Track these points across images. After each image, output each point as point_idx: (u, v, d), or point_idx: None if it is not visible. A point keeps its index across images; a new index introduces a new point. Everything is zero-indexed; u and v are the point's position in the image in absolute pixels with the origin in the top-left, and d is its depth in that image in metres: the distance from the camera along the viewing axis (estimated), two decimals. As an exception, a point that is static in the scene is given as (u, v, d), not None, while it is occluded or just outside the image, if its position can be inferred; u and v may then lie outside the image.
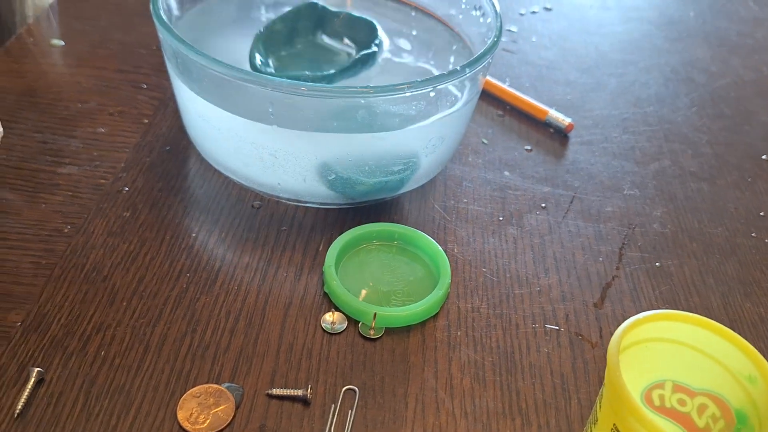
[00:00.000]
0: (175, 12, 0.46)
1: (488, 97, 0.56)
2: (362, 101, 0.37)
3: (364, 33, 0.48)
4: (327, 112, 0.38)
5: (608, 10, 0.71)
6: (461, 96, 0.41)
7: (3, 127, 0.45)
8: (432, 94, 0.38)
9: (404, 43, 0.50)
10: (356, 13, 0.50)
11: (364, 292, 0.38)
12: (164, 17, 0.40)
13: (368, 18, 0.49)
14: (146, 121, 0.49)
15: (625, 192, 0.49)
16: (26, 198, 0.42)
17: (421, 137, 0.41)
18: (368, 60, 0.46)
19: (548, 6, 0.70)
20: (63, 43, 0.55)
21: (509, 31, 0.65)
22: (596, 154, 0.52)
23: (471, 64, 0.39)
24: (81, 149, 0.46)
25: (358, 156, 0.40)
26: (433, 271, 0.40)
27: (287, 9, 0.49)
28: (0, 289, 0.37)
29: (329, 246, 0.40)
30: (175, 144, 0.47)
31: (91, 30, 0.57)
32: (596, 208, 0.47)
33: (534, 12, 0.69)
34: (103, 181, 0.44)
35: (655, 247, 0.45)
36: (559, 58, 0.62)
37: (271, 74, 0.43)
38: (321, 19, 0.49)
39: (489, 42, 0.41)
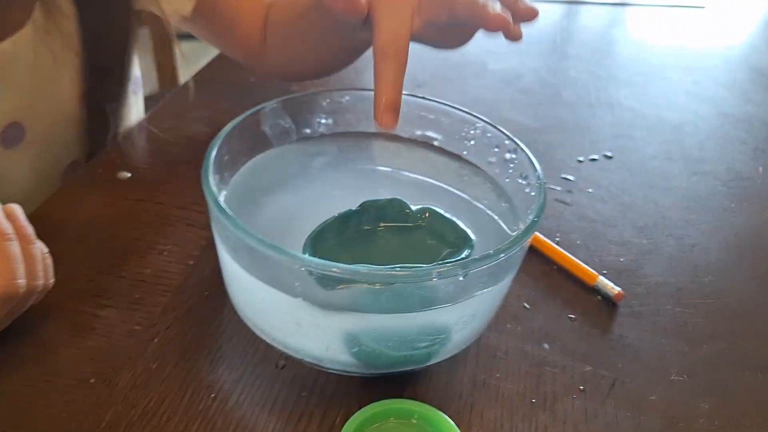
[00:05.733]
0: (242, 158, 0.48)
1: (535, 254, 0.55)
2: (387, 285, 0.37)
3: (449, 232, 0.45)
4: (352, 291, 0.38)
5: (673, 162, 0.70)
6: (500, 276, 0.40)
7: (56, 260, 0.47)
8: (461, 278, 0.38)
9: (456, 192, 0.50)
10: (439, 210, 0.45)
11: (375, 479, 0.37)
12: (210, 180, 0.41)
13: (452, 218, 0.45)
14: (192, 262, 0.50)
15: (672, 377, 0.46)
16: (62, 341, 0.43)
17: (450, 316, 0.40)
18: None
19: (609, 154, 0.69)
20: (129, 175, 0.58)
21: (565, 179, 0.65)
22: (645, 330, 0.49)
23: (506, 249, 0.38)
24: (124, 290, 0.47)
25: (383, 332, 0.39)
26: (452, 460, 0.38)
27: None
28: (18, 441, 0.37)
29: (346, 419, 0.39)
30: (215, 289, 0.48)
31: (159, 163, 0.60)
32: (639, 395, 0.44)
33: (593, 159, 0.68)
34: (138, 327, 0.45)
35: (701, 450, 0.41)
36: (616, 214, 0.61)
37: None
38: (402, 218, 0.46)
39: (528, 224, 0.40)
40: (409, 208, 0.44)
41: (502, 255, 0.38)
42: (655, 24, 1.10)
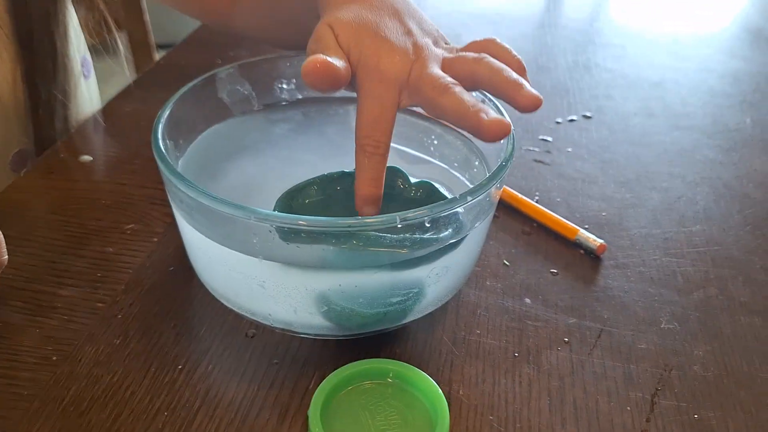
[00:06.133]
0: (199, 126, 0.46)
1: (514, 212, 0.53)
2: (351, 235, 0.35)
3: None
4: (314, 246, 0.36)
5: (654, 118, 0.68)
6: (467, 224, 0.39)
7: (16, 246, 0.46)
8: (428, 224, 0.36)
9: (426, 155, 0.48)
10: (440, 187, 0.42)
11: (350, 441, 0.35)
12: (161, 143, 0.39)
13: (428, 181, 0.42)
14: (156, 239, 0.48)
15: (662, 326, 0.44)
16: (24, 321, 0.41)
17: (422, 268, 0.38)
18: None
19: (588, 114, 0.67)
20: (91, 158, 0.56)
21: (544, 140, 0.63)
22: (631, 280, 0.47)
23: (472, 192, 0.36)
24: (85, 269, 0.45)
25: (351, 288, 0.37)
26: (431, 417, 0.36)
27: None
28: (-26, 423, 0.36)
29: (320, 384, 0.37)
30: (179, 264, 0.46)
31: (121, 146, 0.58)
32: (628, 344, 0.42)
33: (572, 120, 0.66)
34: (100, 304, 0.43)
35: (695, 395, 0.39)
36: (596, 171, 0.59)
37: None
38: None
39: (495, 169, 0.38)
40: (407, 181, 0.42)
41: (469, 198, 0.36)
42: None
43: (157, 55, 1.37)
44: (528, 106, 0.35)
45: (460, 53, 0.39)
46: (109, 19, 0.56)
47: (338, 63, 0.36)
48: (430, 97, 0.36)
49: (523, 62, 0.39)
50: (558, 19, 0.92)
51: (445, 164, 0.47)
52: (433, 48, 0.39)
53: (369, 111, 0.37)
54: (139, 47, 1.29)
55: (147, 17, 1.28)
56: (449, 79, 0.37)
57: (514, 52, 0.39)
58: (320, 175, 0.41)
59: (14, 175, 0.58)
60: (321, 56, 0.35)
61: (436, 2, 0.96)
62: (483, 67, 0.37)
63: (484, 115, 0.34)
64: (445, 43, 0.41)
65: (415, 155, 0.48)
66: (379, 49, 0.38)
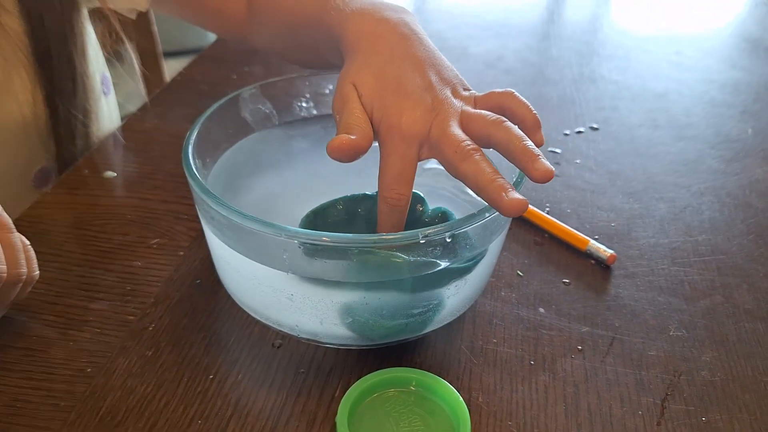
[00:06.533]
0: (223, 144, 0.48)
1: (526, 224, 0.55)
2: (374, 251, 0.37)
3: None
4: (340, 261, 0.38)
5: (659, 129, 0.70)
6: (485, 239, 0.40)
7: (46, 261, 0.47)
8: (448, 240, 0.38)
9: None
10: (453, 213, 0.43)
11: (376, 447, 0.37)
12: (191, 162, 0.41)
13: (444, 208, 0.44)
14: (182, 253, 0.50)
15: (671, 333, 0.46)
16: (57, 335, 0.43)
17: (442, 281, 0.40)
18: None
19: (595, 126, 0.69)
20: (115, 174, 0.58)
21: (553, 152, 0.65)
22: (641, 289, 0.49)
23: (491, 209, 0.38)
24: (115, 283, 0.47)
25: (375, 301, 0.39)
26: (453, 424, 0.38)
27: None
28: (16, 433, 0.37)
29: (346, 391, 0.39)
30: (206, 277, 0.48)
31: (142, 162, 0.60)
32: (638, 351, 0.44)
33: (579, 132, 0.68)
34: (131, 317, 0.44)
35: (703, 399, 0.41)
36: (604, 182, 0.61)
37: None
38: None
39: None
40: (426, 207, 0.43)
41: (487, 215, 0.38)
42: (637, 1, 1.10)
43: (165, 65, 1.39)
44: (540, 178, 0.36)
45: (479, 110, 0.40)
46: (121, 31, 0.58)
47: (360, 134, 0.38)
48: (452, 161, 0.37)
49: (539, 118, 0.40)
50: (563, 31, 0.94)
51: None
52: (453, 101, 0.40)
53: (392, 167, 0.38)
54: (147, 57, 1.32)
55: (155, 28, 1.30)
56: (470, 144, 0.37)
57: (531, 107, 0.40)
58: (343, 196, 0.43)
59: (37, 192, 0.60)
60: (346, 137, 0.37)
61: (444, 16, 0.98)
62: (501, 132, 0.38)
63: (504, 194, 0.35)
64: (464, 90, 0.42)
65: (432, 167, 0.50)
66: (401, 107, 0.39)
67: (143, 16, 1.24)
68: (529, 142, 0.37)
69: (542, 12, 1.03)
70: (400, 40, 0.42)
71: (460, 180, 0.38)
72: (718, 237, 0.54)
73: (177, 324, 0.44)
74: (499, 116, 0.39)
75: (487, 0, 1.05)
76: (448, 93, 0.41)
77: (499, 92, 0.41)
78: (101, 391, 0.40)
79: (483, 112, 0.40)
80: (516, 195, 0.35)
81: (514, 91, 0.41)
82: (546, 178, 0.36)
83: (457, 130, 0.38)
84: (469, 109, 0.40)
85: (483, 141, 0.38)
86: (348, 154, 0.38)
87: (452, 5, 1.03)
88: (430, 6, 1.06)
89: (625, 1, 1.11)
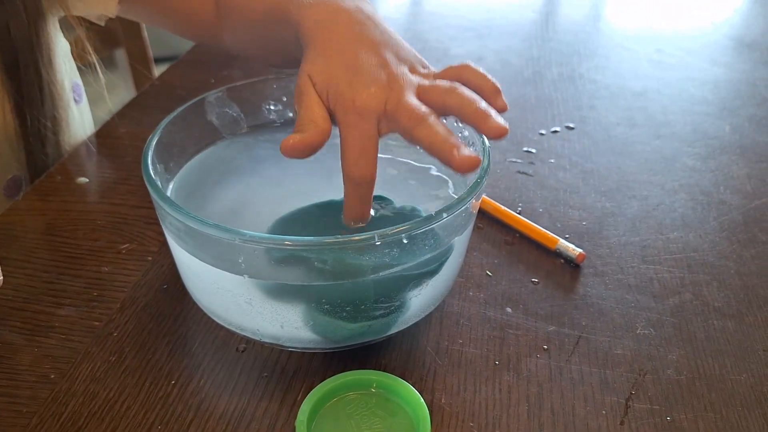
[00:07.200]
0: (190, 148, 0.48)
1: (497, 223, 0.55)
2: (329, 253, 0.37)
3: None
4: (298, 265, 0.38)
5: (636, 128, 0.69)
6: (445, 239, 0.40)
7: (14, 267, 0.47)
8: (405, 241, 0.37)
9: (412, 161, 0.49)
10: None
11: (336, 449, 0.37)
12: (150, 167, 0.41)
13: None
14: (150, 258, 0.50)
15: (638, 331, 0.45)
16: (23, 341, 0.43)
17: (403, 282, 0.40)
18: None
19: (571, 125, 0.69)
20: (87, 180, 0.58)
21: (528, 152, 0.65)
22: (609, 288, 0.49)
23: (448, 209, 0.38)
24: (82, 289, 0.47)
25: (335, 303, 0.39)
26: (414, 425, 0.38)
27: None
28: (-24, 440, 0.37)
29: (307, 396, 0.39)
30: (173, 282, 0.48)
31: (116, 167, 0.60)
32: (604, 350, 0.44)
33: (555, 131, 0.68)
34: (96, 323, 0.45)
35: (668, 398, 0.41)
36: (578, 181, 0.61)
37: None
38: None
39: (470, 186, 0.40)
40: (392, 206, 0.44)
41: (445, 214, 0.38)
42: (619, 0, 1.10)
43: (156, 71, 1.39)
44: (494, 135, 0.37)
45: (436, 81, 0.41)
46: (86, 41, 0.58)
47: (313, 131, 0.38)
48: (407, 127, 0.38)
49: (498, 84, 0.41)
50: (545, 32, 0.94)
51: (427, 164, 0.49)
52: (409, 76, 0.41)
53: (352, 145, 0.38)
54: (138, 62, 1.32)
55: (145, 33, 1.31)
56: (424, 109, 0.39)
57: (489, 76, 0.41)
58: (310, 204, 0.43)
59: (8, 201, 0.60)
60: (297, 136, 0.38)
61: (427, 17, 0.98)
62: (454, 98, 0.39)
63: (456, 151, 0.36)
64: (423, 68, 0.43)
65: (403, 161, 0.50)
66: (355, 86, 0.39)
67: (134, 21, 1.25)
68: (483, 104, 0.38)
69: (527, 13, 1.03)
70: (355, 25, 0.43)
71: (417, 145, 0.39)
72: (690, 234, 0.54)
73: (142, 329, 0.44)
74: (453, 83, 0.40)
75: (471, 1, 1.05)
76: (405, 70, 0.41)
77: (456, 66, 0.42)
78: (64, 396, 0.40)
79: (438, 81, 0.40)
80: (467, 152, 0.36)
81: (470, 62, 0.42)
82: (499, 134, 0.37)
83: (412, 99, 0.39)
84: (425, 81, 0.41)
85: (439, 109, 0.39)
86: (301, 153, 0.38)
87: (436, 6, 1.03)
88: (413, 6, 1.06)
89: (609, 1, 1.11)
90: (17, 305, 0.46)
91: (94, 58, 0.58)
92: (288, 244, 0.36)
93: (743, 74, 0.82)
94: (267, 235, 0.36)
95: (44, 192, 0.57)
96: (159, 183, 0.40)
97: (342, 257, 0.37)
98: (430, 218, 0.38)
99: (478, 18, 0.98)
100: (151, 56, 1.34)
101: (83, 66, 0.62)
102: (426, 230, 0.38)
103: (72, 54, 0.63)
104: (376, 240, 0.36)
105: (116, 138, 0.65)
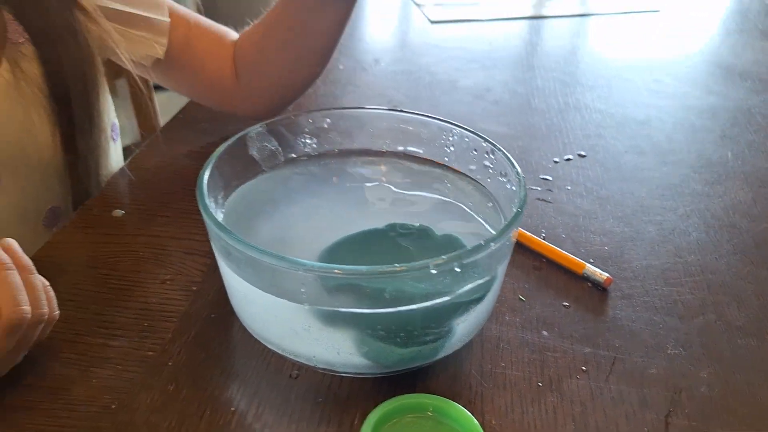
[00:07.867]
0: (233, 182, 0.50)
1: (524, 249, 0.57)
2: (390, 281, 0.39)
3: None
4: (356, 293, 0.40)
5: (644, 155, 0.73)
6: (492, 267, 0.42)
7: (64, 300, 0.48)
8: (457, 269, 0.40)
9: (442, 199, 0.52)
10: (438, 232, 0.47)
11: (398, 471, 0.38)
12: (206, 199, 0.43)
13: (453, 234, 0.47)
14: (195, 288, 0.51)
15: (669, 351, 0.48)
16: (78, 372, 0.44)
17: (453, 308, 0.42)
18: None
19: (582, 153, 0.72)
20: (123, 212, 0.59)
21: (544, 179, 0.67)
22: (637, 310, 0.51)
23: (496, 239, 0.40)
24: (132, 320, 0.48)
25: (390, 329, 0.41)
26: (469, 446, 0.40)
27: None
28: (46, 471, 0.38)
29: (364, 418, 0.40)
30: (220, 310, 0.49)
31: (150, 200, 0.61)
32: (639, 370, 0.46)
33: (568, 159, 0.71)
34: (150, 353, 0.46)
35: (704, 414, 0.43)
36: (595, 207, 0.63)
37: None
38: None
39: (512, 214, 0.42)
40: (434, 236, 0.46)
41: (492, 244, 0.40)
42: (614, 31, 1.15)
43: (155, 96, 1.40)
44: None
45: None
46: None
47: None
48: None
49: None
50: (545, 62, 0.98)
51: (461, 203, 0.51)
52: None
53: None
54: (138, 89, 1.33)
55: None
56: None
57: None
58: (355, 232, 0.46)
59: (47, 231, 0.61)
60: None
61: (434, 50, 1.01)
62: None
63: None
64: None
65: (436, 198, 0.52)
66: None
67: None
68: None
69: (523, 44, 1.06)
70: None
71: None
72: (706, 257, 0.57)
73: (195, 358, 0.45)
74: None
75: (471, 33, 1.09)
76: None
77: None
78: (126, 428, 0.41)
79: None
80: None
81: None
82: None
83: None
84: None
85: None
86: None
87: (438, 39, 1.07)
88: (417, 40, 1.09)
89: (599, 31, 1.15)
90: (69, 338, 0.47)
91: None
92: (347, 273, 0.38)
93: (737, 102, 0.86)
94: (329, 264, 0.38)
95: (83, 224, 0.58)
96: (215, 215, 0.42)
97: (401, 285, 0.39)
98: (480, 247, 0.40)
99: (480, 49, 1.01)
100: (151, 83, 1.35)
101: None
102: (476, 258, 0.40)
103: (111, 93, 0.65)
104: (431, 268, 0.38)
105: (145, 170, 0.66)
